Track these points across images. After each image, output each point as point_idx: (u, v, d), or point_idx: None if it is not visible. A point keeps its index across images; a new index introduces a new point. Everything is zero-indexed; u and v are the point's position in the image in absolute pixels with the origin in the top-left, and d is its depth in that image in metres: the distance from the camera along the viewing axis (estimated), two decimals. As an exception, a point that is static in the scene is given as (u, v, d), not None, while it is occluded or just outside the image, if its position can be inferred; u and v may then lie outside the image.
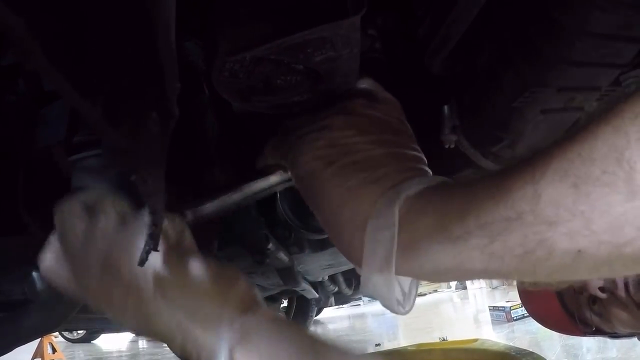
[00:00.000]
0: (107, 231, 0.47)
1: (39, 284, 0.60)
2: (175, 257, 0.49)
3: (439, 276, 0.44)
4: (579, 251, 0.33)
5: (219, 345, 0.45)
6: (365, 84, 0.57)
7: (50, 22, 0.23)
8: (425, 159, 0.54)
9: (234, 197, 0.61)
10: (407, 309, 0.47)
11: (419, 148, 0.54)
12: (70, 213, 0.50)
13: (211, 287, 0.48)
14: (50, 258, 0.51)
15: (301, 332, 0.47)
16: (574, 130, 0.34)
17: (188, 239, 0.53)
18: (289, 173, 0.59)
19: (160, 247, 0.46)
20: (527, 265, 0.36)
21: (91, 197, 0.51)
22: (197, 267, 0.49)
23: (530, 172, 0.35)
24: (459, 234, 0.39)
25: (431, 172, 0.53)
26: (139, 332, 0.51)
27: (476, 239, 0.38)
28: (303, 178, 0.53)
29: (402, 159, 0.51)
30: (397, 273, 0.44)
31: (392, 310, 0.47)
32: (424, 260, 0.42)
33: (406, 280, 0.47)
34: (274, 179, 0.62)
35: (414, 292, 0.48)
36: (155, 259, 0.47)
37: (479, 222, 0.37)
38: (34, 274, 0.58)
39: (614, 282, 1.26)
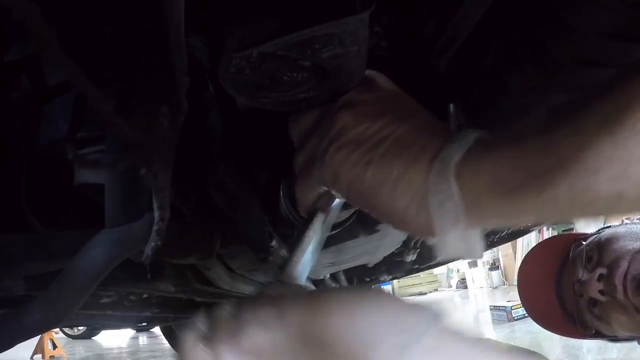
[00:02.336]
0: None
1: None
2: None
3: (500, 224, 0.48)
4: (620, 193, 0.37)
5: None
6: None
7: (65, 11, 0.23)
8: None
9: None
10: (482, 252, 0.50)
11: (426, 109, 0.55)
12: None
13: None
14: None
15: None
16: (608, 86, 0.38)
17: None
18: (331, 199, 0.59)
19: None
20: (575, 209, 0.40)
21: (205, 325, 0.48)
22: None
23: (572, 125, 0.39)
24: (513, 187, 0.42)
25: None
26: None
27: (529, 189, 0.41)
28: (350, 190, 0.53)
29: (424, 126, 0.51)
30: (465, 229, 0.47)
31: (474, 257, 0.49)
32: (485, 215, 0.45)
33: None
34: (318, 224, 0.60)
35: (480, 239, 0.50)
36: None
37: (530, 173, 0.41)
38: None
39: (613, 285, 1.26)
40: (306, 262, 0.58)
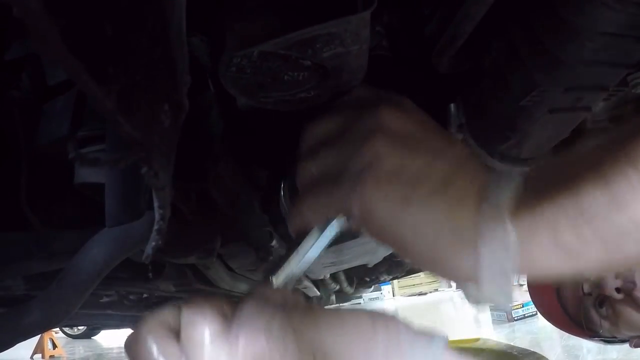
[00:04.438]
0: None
1: None
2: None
3: (550, 279, 0.46)
4: None
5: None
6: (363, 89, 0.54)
7: (67, 7, 0.23)
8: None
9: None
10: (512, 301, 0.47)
11: (455, 139, 0.53)
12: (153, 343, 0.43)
13: None
14: None
15: None
16: None
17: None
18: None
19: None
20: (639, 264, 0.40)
21: (171, 315, 0.45)
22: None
23: (637, 179, 0.37)
24: (576, 247, 0.40)
25: None
26: None
27: (594, 251, 0.39)
28: (384, 228, 0.48)
29: (462, 161, 0.48)
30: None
31: (506, 308, 0.48)
32: (538, 271, 0.43)
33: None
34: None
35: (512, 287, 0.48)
36: None
37: (596, 235, 0.39)
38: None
39: (632, 282, 1.27)
40: (294, 273, 0.55)
